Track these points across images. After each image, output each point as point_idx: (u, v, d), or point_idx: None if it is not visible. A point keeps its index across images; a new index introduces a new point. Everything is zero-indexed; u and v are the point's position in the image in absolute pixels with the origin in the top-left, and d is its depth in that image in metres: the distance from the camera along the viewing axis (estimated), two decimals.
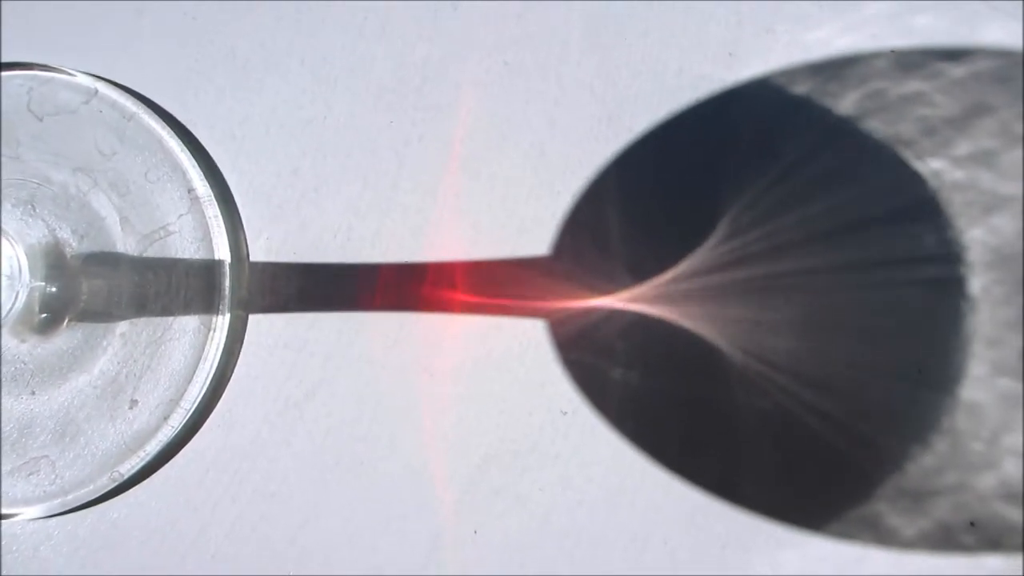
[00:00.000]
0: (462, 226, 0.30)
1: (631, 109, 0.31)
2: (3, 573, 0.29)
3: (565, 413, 0.30)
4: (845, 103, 0.30)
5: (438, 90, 0.31)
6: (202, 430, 0.29)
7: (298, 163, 0.31)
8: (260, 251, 0.30)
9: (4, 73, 0.28)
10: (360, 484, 0.30)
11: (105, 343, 0.28)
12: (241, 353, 0.30)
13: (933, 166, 0.30)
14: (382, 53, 0.31)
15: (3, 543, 0.29)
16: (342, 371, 0.30)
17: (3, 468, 0.27)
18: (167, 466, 0.29)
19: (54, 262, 0.28)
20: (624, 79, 0.31)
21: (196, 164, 0.28)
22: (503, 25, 0.31)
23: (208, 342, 0.28)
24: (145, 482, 0.28)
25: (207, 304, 0.28)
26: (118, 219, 0.28)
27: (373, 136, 0.31)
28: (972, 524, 0.29)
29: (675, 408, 0.30)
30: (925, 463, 0.29)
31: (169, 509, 0.30)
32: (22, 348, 0.28)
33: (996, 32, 0.30)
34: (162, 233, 0.28)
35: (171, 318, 0.28)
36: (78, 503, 0.27)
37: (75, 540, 0.29)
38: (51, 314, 0.28)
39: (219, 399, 0.29)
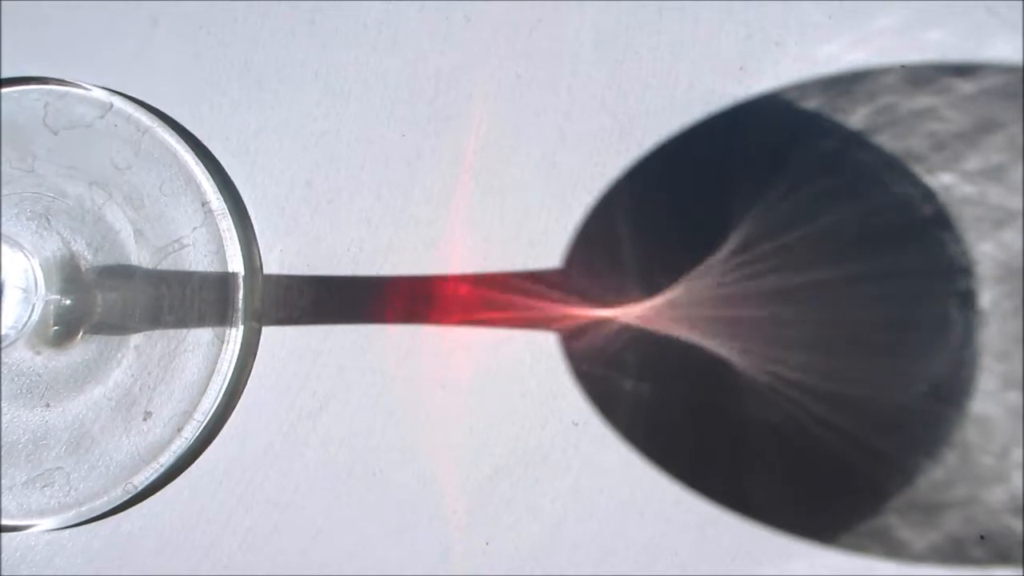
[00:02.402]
0: (474, 238, 0.30)
1: (642, 122, 0.30)
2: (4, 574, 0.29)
3: (576, 424, 0.29)
4: (855, 118, 0.30)
5: (451, 103, 0.31)
6: (216, 442, 0.29)
7: (311, 175, 0.30)
8: (274, 263, 0.30)
9: (20, 87, 0.28)
10: (372, 495, 0.29)
11: (119, 355, 0.28)
12: (256, 365, 0.29)
13: (943, 180, 0.29)
14: (395, 66, 0.31)
15: (18, 554, 0.29)
16: (355, 383, 0.30)
17: (18, 479, 0.27)
18: (181, 477, 0.28)
19: (69, 275, 0.28)
20: (635, 92, 0.30)
21: (210, 177, 0.28)
22: (515, 38, 0.31)
23: (222, 354, 0.28)
24: (159, 493, 0.28)
25: (221, 316, 0.28)
26: (132, 232, 0.28)
27: (386, 149, 0.31)
28: (982, 537, 0.28)
29: (686, 420, 0.29)
30: (935, 476, 0.29)
31: (182, 520, 0.29)
32: (37, 360, 0.28)
33: (1005, 48, 0.30)
34: (176, 246, 0.28)
35: (185, 330, 0.28)
36: (92, 515, 0.27)
37: (89, 551, 0.29)
38: (66, 327, 0.28)
39: (232, 411, 0.29)
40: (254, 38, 0.31)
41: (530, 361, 0.30)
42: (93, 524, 0.28)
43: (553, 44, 0.31)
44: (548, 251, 0.30)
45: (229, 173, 0.30)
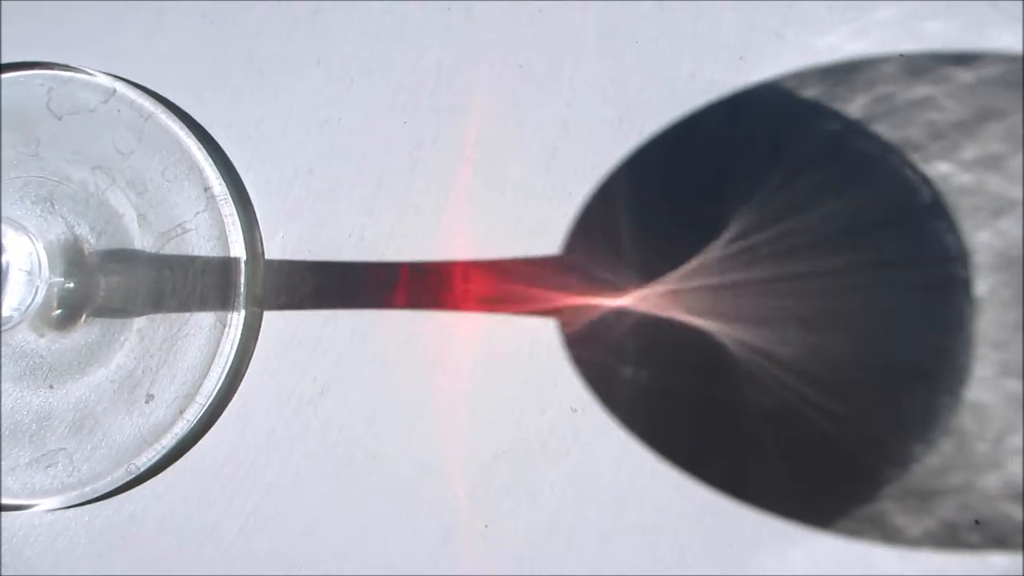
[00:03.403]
0: (475, 226, 0.30)
1: (642, 112, 0.30)
2: (12, 568, 0.29)
3: (575, 411, 0.29)
4: (854, 107, 0.30)
5: (452, 92, 0.30)
6: (218, 425, 0.29)
7: (314, 163, 0.30)
8: (276, 249, 0.30)
9: (24, 72, 0.28)
10: (373, 479, 0.29)
11: (122, 338, 0.28)
12: (257, 350, 0.29)
13: (941, 170, 0.29)
14: (397, 56, 0.31)
15: (22, 533, 0.29)
16: (356, 368, 0.30)
17: (22, 459, 0.27)
18: (183, 460, 0.28)
19: (72, 259, 0.28)
20: (636, 82, 0.30)
21: (212, 163, 0.28)
22: (516, 28, 0.31)
23: (223, 338, 0.28)
24: (161, 475, 0.28)
25: (223, 301, 0.28)
26: (135, 217, 0.28)
27: (388, 137, 0.30)
28: (977, 523, 0.28)
29: (684, 406, 0.29)
30: (931, 463, 0.28)
31: (185, 503, 0.29)
32: (41, 343, 0.28)
33: (1004, 37, 0.30)
34: (179, 231, 0.28)
35: (187, 314, 0.28)
36: (95, 495, 0.27)
37: (91, 532, 0.29)
38: (69, 309, 0.28)
39: (234, 394, 0.29)
40: (257, 27, 0.31)
41: (530, 347, 0.29)
42: (95, 505, 0.28)
43: (554, 34, 0.31)
44: (548, 239, 0.30)
45: (232, 159, 0.30)
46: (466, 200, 0.30)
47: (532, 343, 0.29)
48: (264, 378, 0.29)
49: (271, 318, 0.30)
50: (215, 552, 0.29)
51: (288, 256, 0.30)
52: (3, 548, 0.29)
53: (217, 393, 0.28)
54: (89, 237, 0.28)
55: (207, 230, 0.28)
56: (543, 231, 0.30)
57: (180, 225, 0.28)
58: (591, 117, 0.30)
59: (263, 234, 0.30)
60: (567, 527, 0.29)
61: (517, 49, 0.31)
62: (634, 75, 0.30)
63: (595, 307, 0.29)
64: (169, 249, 0.28)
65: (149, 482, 0.28)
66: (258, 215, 0.30)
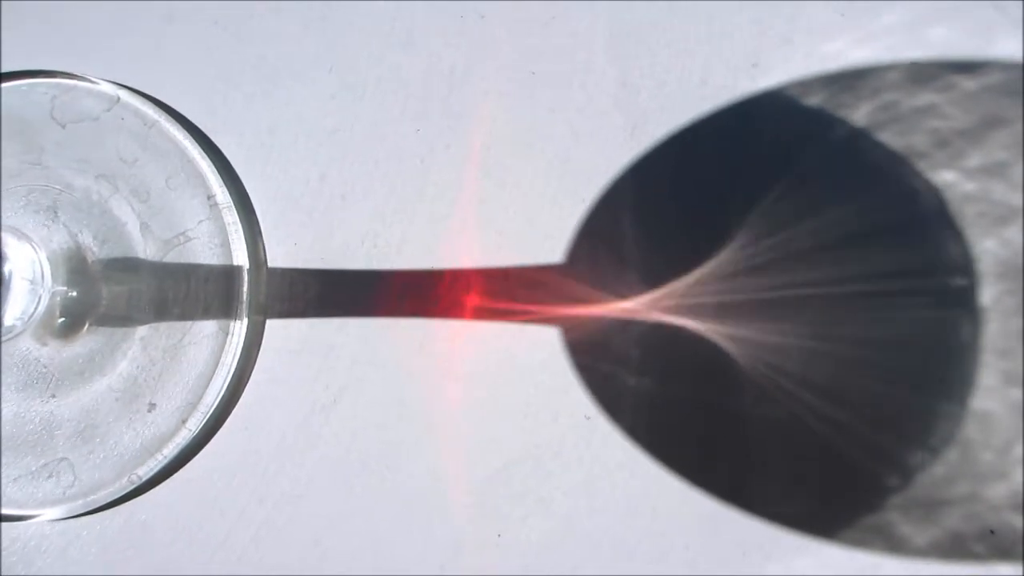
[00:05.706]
0: (487, 233, 0.28)
1: (654, 118, 0.28)
2: (7, 573, 0.27)
3: (588, 418, 0.27)
4: (858, 114, 0.28)
5: (464, 99, 0.29)
6: (229, 434, 0.27)
7: (325, 170, 0.28)
8: (288, 257, 0.28)
9: (28, 81, 0.26)
10: (384, 488, 0.27)
11: (125, 347, 0.26)
12: (269, 358, 0.27)
13: (945, 178, 0.27)
14: (409, 62, 0.29)
15: (32, 543, 0.27)
16: (367, 376, 0.28)
17: (25, 470, 0.26)
18: (194, 468, 0.26)
19: (75, 267, 0.26)
20: (647, 89, 0.28)
21: (216, 171, 0.27)
22: (529, 35, 0.29)
23: (226, 347, 0.26)
24: (173, 484, 0.26)
25: (225, 309, 0.26)
26: (139, 225, 0.26)
27: (399, 144, 0.28)
28: (988, 533, 0.26)
29: (689, 416, 0.27)
30: (937, 473, 0.26)
31: (197, 511, 0.27)
32: (43, 352, 0.26)
33: (1010, 45, 0.28)
34: (182, 239, 0.26)
35: (190, 323, 0.26)
36: (97, 505, 0.25)
37: (104, 540, 0.27)
38: (72, 318, 0.26)
39: (236, 403, 0.27)
40: (268, 33, 0.29)
41: (541, 355, 0.27)
42: (106, 514, 0.27)
43: (566, 41, 0.29)
44: (560, 246, 0.28)
45: (243, 168, 0.28)
46: (477, 207, 0.28)
47: (543, 351, 0.27)
48: (276, 387, 0.28)
49: (282, 325, 0.28)
50: (226, 561, 0.27)
51: (300, 264, 0.28)
52: (14, 557, 0.27)
53: (219, 402, 0.26)
54: (92, 246, 0.26)
55: (210, 238, 0.26)
56: (554, 238, 0.28)
57: (183, 233, 0.26)
58: (602, 123, 0.28)
59: (274, 241, 0.28)
60: (579, 535, 0.27)
61: (529, 56, 0.29)
62: (645, 81, 0.28)
63: (604, 314, 0.27)
64: (172, 257, 0.26)
65: (161, 491, 0.26)
66: (269, 222, 0.28)
